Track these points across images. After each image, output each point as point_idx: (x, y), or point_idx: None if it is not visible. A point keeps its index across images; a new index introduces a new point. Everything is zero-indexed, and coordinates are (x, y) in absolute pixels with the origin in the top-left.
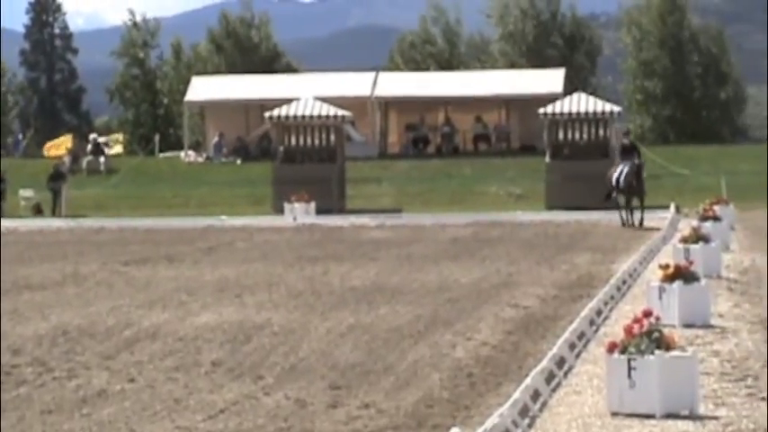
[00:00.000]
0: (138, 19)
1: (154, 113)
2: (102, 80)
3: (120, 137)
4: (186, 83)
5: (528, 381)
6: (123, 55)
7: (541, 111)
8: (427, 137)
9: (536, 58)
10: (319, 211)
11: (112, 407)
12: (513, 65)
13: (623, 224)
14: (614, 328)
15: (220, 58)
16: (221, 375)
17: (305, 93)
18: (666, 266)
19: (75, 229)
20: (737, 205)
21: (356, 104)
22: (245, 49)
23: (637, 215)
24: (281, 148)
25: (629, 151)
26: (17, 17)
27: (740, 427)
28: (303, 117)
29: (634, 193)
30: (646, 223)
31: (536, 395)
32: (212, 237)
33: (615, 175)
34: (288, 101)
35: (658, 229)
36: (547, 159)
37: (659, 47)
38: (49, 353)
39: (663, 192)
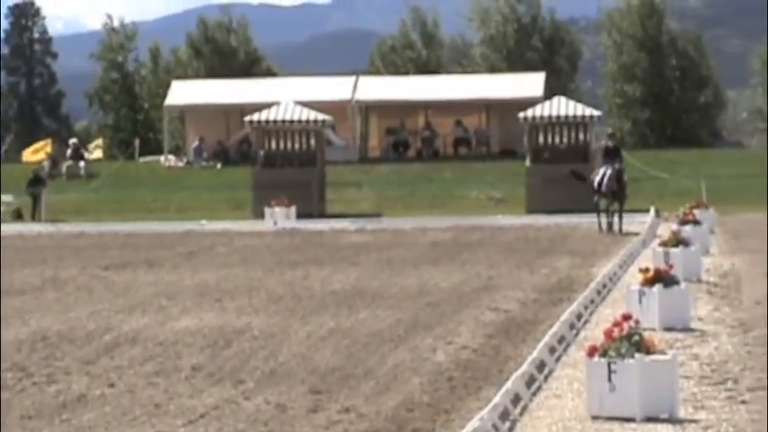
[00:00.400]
0: (117, 23)
1: (133, 118)
2: (81, 84)
3: (100, 142)
4: (165, 87)
5: (508, 385)
6: (102, 58)
7: (522, 115)
8: (407, 141)
9: (516, 62)
10: (299, 216)
11: (92, 412)
12: (493, 69)
13: (600, 229)
14: (594, 332)
15: (199, 63)
16: (201, 380)
17: (285, 97)
18: (646, 270)
19: (55, 234)
20: (717, 209)
21: (336, 108)
22: (224, 54)
23: (617, 219)
24: (262, 153)
25: (611, 154)
26: None
27: (720, 430)
28: (283, 121)
29: (615, 198)
30: (625, 227)
31: (516, 399)
32: (192, 241)
33: (597, 179)
34: (268, 105)
35: (638, 234)
36: (527, 163)
37: (638, 50)
38: (29, 358)
39: (642, 195)
